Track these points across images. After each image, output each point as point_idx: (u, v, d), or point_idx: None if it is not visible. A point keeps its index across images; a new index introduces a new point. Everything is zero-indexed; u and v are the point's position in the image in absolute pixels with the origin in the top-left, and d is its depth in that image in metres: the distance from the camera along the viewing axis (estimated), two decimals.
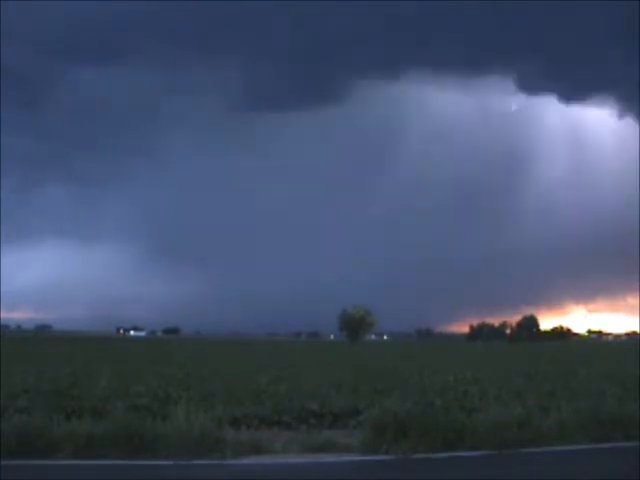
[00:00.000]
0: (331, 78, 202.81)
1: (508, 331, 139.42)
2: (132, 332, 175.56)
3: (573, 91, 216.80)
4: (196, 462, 8.68)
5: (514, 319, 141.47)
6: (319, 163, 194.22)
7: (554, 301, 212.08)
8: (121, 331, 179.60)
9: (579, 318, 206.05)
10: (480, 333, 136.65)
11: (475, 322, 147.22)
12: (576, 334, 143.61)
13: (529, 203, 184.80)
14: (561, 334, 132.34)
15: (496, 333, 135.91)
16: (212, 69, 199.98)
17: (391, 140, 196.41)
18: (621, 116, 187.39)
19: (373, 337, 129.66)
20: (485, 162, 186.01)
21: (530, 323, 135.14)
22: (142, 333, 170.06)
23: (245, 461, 8.90)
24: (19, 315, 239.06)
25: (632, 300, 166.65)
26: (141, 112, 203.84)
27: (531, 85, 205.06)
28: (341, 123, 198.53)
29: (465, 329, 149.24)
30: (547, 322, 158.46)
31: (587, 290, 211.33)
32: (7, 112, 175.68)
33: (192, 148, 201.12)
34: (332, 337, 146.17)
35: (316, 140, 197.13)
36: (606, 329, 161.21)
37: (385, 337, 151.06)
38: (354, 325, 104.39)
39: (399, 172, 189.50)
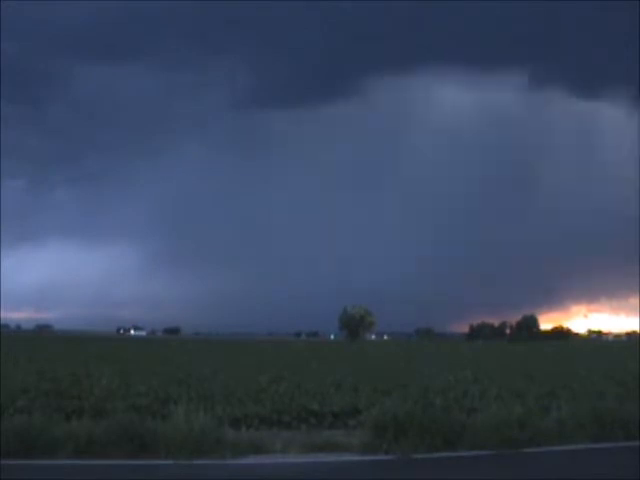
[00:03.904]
0: None
1: (508, 331, 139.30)
2: (132, 332, 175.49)
3: None
4: (196, 462, 8.68)
5: (514, 319, 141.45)
6: None
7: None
8: (121, 331, 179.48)
9: (580, 318, 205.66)
10: (480, 333, 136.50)
11: (475, 322, 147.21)
12: (576, 334, 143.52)
13: None
14: (561, 334, 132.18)
15: (496, 333, 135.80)
16: None
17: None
18: None
19: (373, 337, 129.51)
20: None
21: (530, 323, 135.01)
22: (142, 333, 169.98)
23: (245, 461, 8.90)
24: (20, 315, 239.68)
25: (633, 301, 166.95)
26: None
27: None
28: None
29: (465, 329, 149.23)
30: (547, 322, 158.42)
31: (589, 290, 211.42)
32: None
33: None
34: (332, 337, 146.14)
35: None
36: (606, 329, 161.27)
37: (385, 337, 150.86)
38: (354, 325, 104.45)
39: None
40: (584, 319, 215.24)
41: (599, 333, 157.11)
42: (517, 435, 9.67)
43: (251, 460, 8.96)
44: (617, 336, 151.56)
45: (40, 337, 79.83)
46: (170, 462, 8.63)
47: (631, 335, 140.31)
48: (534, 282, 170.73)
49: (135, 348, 45.08)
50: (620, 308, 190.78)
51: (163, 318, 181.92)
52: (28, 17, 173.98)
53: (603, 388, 14.15)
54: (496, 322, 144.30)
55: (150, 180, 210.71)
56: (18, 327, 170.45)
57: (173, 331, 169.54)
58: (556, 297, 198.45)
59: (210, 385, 14.49)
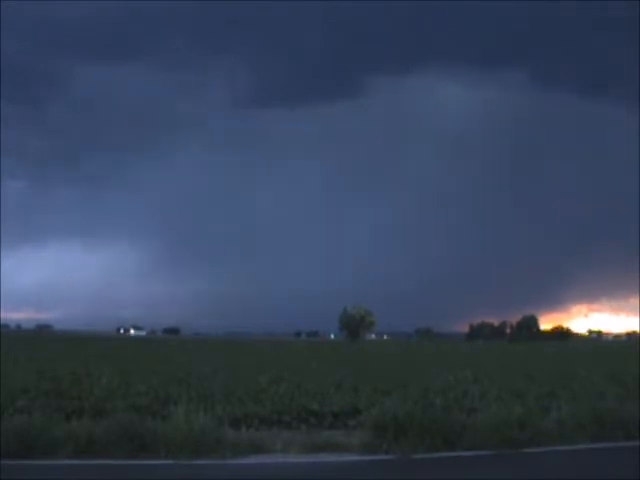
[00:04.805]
0: None
1: (508, 331, 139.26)
2: (132, 332, 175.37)
3: None
4: (196, 462, 8.67)
5: (514, 319, 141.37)
6: None
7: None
8: (121, 331, 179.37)
9: (580, 318, 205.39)
10: (480, 333, 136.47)
11: (475, 322, 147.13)
12: (576, 334, 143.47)
13: None
14: (561, 334, 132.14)
15: (496, 333, 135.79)
16: None
17: None
18: None
19: (373, 337, 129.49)
20: None
21: (530, 323, 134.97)
22: (142, 333, 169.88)
23: (245, 461, 8.89)
24: (20, 315, 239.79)
25: (634, 302, 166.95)
26: None
27: None
28: None
29: (465, 329, 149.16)
30: (547, 322, 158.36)
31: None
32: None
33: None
34: (332, 337, 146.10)
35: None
36: (606, 329, 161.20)
37: (385, 337, 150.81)
38: (354, 325, 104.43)
39: None
40: (585, 319, 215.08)
41: (599, 333, 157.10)
42: (517, 435, 9.66)
43: (251, 460, 8.95)
44: (617, 336, 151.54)
45: (40, 337, 79.79)
46: (170, 462, 8.63)
47: (631, 335, 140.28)
48: (535, 282, 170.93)
49: (135, 348, 45.06)
50: (620, 308, 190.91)
51: (163, 318, 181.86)
52: (28, 17, 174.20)
53: (603, 388, 14.15)
54: (496, 322, 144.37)
55: (150, 180, 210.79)
56: (18, 327, 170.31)
57: (173, 331, 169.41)
58: (557, 297, 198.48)
59: (210, 385, 14.48)
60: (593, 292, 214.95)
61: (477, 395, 12.99)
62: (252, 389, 13.80)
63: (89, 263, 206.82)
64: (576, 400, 12.07)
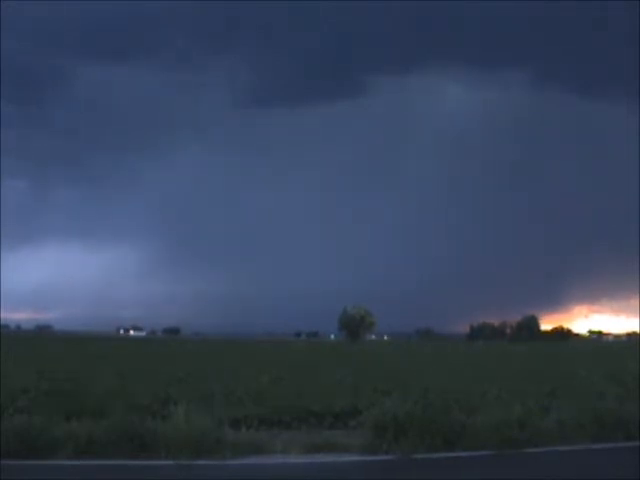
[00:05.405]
0: None
1: (508, 331, 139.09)
2: (132, 332, 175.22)
3: None
4: (196, 462, 8.67)
5: (514, 319, 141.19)
6: None
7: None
8: (121, 331, 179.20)
9: (581, 319, 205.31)
10: (480, 333, 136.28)
11: (475, 322, 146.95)
12: (577, 334, 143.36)
13: None
14: (561, 334, 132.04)
15: (496, 333, 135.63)
16: None
17: None
18: None
19: (373, 337, 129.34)
20: None
21: (530, 323, 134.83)
22: (142, 333, 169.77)
23: (245, 461, 8.89)
24: (20, 315, 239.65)
25: (634, 302, 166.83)
26: None
27: None
28: None
29: (465, 329, 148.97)
30: (548, 322, 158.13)
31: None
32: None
33: None
34: (332, 337, 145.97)
35: None
36: (607, 330, 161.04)
37: (385, 337, 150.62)
38: (354, 325, 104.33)
39: None
40: (585, 320, 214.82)
41: (599, 334, 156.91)
42: (517, 435, 9.66)
43: (251, 460, 8.95)
44: (617, 337, 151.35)
45: (40, 337, 79.77)
46: (170, 462, 8.62)
47: (631, 336, 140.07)
48: (536, 283, 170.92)
49: (135, 348, 45.04)
50: (621, 309, 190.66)
51: (163, 318, 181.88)
52: (28, 16, 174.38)
53: (603, 388, 14.14)
54: (496, 322, 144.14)
55: (150, 180, 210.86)
56: (18, 327, 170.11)
57: (173, 331, 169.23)
58: (557, 298, 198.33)
59: (210, 385, 14.48)
60: (594, 293, 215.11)
61: (477, 395, 12.98)
62: (252, 389, 13.80)
63: (89, 263, 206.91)
64: (576, 400, 12.07)
